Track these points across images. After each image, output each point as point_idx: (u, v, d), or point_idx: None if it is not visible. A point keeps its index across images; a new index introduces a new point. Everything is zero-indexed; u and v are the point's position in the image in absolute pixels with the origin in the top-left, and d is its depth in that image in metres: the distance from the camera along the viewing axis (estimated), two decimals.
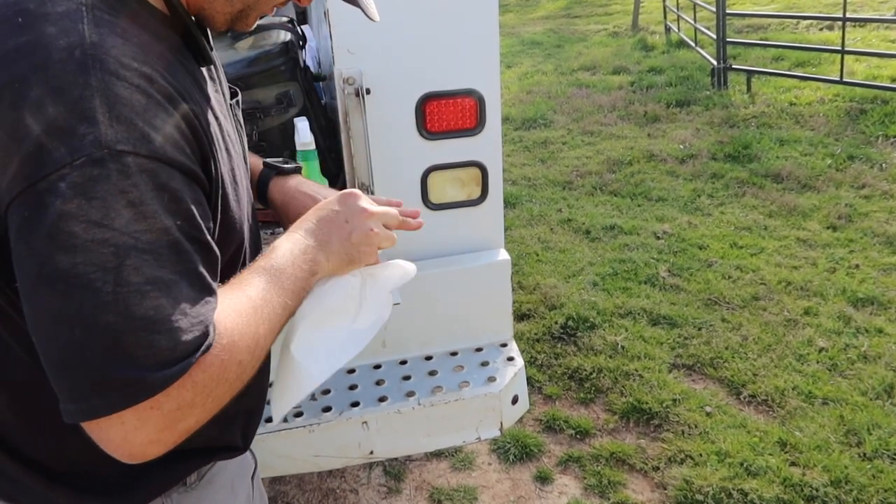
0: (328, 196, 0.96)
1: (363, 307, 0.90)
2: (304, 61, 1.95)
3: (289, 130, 1.76)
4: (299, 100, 1.76)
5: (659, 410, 2.64)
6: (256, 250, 0.96)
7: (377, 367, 1.88)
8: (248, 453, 1.03)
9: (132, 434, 0.64)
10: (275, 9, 0.89)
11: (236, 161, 0.86)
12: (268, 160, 1.12)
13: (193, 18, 0.81)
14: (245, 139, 1.01)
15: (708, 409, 2.64)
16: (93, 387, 0.62)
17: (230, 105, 0.96)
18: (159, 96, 0.67)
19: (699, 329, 3.13)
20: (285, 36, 1.83)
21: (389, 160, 1.76)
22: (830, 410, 2.58)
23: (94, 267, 0.61)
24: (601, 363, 2.93)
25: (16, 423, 0.81)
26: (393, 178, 1.77)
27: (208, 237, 0.71)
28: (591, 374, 2.88)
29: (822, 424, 2.52)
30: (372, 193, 1.74)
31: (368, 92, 1.67)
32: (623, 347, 3.01)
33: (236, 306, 0.72)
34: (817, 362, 2.87)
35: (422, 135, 1.77)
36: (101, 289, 0.61)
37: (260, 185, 1.10)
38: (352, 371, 1.87)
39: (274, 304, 0.76)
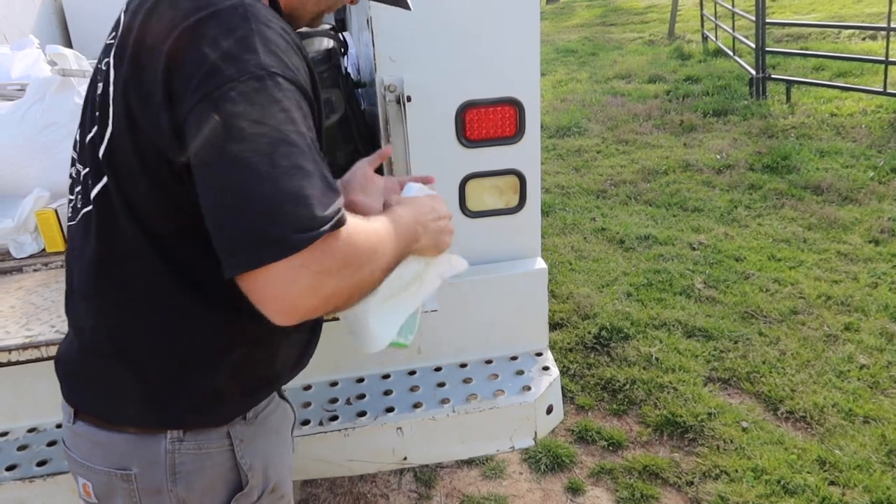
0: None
1: (422, 287, 1.10)
2: (346, 68, 1.97)
3: (329, 136, 1.78)
4: (341, 106, 1.78)
5: (693, 424, 2.60)
6: None
7: (412, 373, 1.89)
8: (288, 406, 1.21)
9: (286, 289, 0.80)
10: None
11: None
12: None
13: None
14: None
15: (744, 424, 2.60)
16: (252, 241, 0.78)
17: None
18: (294, 45, 0.90)
19: (735, 342, 3.08)
20: (328, 43, 1.86)
21: (428, 167, 1.77)
22: (871, 429, 2.52)
23: (255, 153, 0.79)
24: (635, 374, 2.90)
25: (144, 339, 1.00)
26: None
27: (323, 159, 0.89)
28: (624, 385, 2.85)
29: (862, 443, 2.46)
30: None
31: (409, 99, 1.68)
32: (657, 359, 2.98)
33: (365, 223, 0.91)
34: (858, 379, 2.80)
35: (461, 142, 1.77)
36: (260, 168, 0.79)
37: None
38: (387, 376, 1.87)
39: (390, 238, 0.94)
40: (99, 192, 0.97)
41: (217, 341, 1.01)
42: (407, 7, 1.13)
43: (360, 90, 2.05)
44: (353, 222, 0.87)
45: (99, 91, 0.99)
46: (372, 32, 1.67)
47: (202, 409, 1.03)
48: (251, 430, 1.08)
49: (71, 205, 1.06)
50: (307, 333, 1.15)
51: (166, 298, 0.97)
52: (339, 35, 2.07)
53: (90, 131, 0.99)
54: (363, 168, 1.21)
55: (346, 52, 2.03)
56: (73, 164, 1.08)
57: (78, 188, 1.03)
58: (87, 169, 1.00)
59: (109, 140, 0.94)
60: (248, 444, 1.07)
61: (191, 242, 0.93)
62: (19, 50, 2.27)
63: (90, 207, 0.98)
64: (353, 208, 1.05)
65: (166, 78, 0.85)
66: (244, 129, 0.80)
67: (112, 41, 1.00)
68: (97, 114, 0.98)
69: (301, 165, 0.81)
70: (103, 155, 0.95)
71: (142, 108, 0.89)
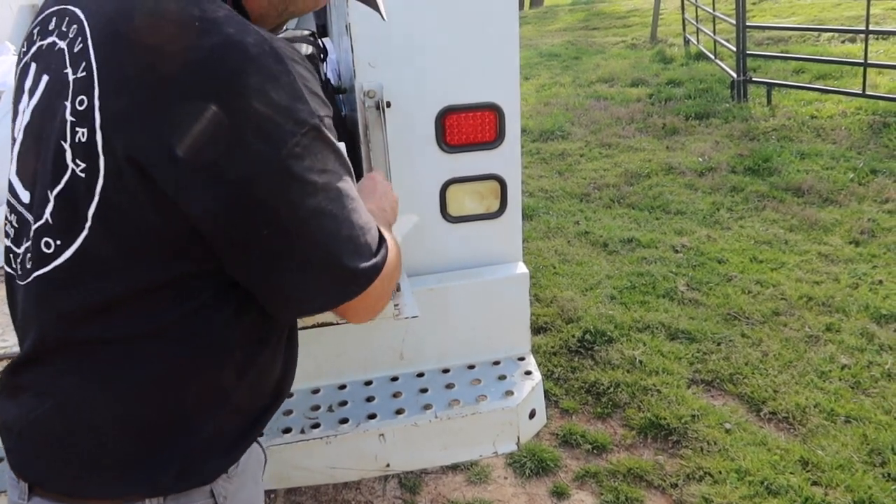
0: None
1: None
2: (326, 74, 1.96)
3: None
4: None
5: (677, 426, 2.61)
6: None
7: (394, 379, 1.88)
8: (261, 450, 1.10)
9: (376, 301, 0.91)
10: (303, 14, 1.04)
11: None
12: None
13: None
14: None
15: (727, 425, 2.61)
16: (340, 279, 0.86)
17: None
18: (310, 68, 0.87)
19: (718, 344, 3.10)
20: (307, 49, 1.85)
21: (408, 173, 1.77)
22: (853, 429, 2.54)
23: (329, 201, 0.83)
24: (619, 377, 2.90)
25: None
26: (412, 191, 1.77)
27: None
28: (608, 388, 2.86)
29: (844, 443, 2.47)
30: None
31: (389, 105, 1.67)
32: (641, 362, 2.99)
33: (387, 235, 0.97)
34: (840, 380, 2.82)
35: (441, 148, 1.77)
36: (337, 214, 0.83)
37: None
38: (369, 383, 1.86)
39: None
40: (75, 254, 0.83)
41: (220, 383, 0.92)
42: (380, 14, 1.08)
43: (340, 96, 2.05)
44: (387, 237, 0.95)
45: (58, 120, 0.83)
46: (351, 38, 1.66)
47: (187, 470, 0.91)
48: (234, 484, 0.98)
49: (17, 261, 0.90)
50: (292, 351, 1.09)
51: (164, 346, 0.86)
52: (319, 41, 2.06)
53: (58, 179, 0.82)
54: (372, 176, 1.25)
55: (325, 58, 2.03)
56: (12, 212, 0.91)
57: (27, 244, 0.87)
58: (49, 224, 0.84)
59: (102, 192, 0.80)
60: (231, 500, 0.97)
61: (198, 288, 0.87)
62: None
63: (50, 270, 0.84)
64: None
65: (210, 130, 0.75)
66: (316, 183, 0.82)
67: (62, 45, 0.86)
68: (68, 154, 0.81)
69: (355, 197, 0.87)
70: (94, 211, 0.81)
71: (160, 160, 0.77)
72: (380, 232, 0.92)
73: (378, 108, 1.67)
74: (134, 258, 0.82)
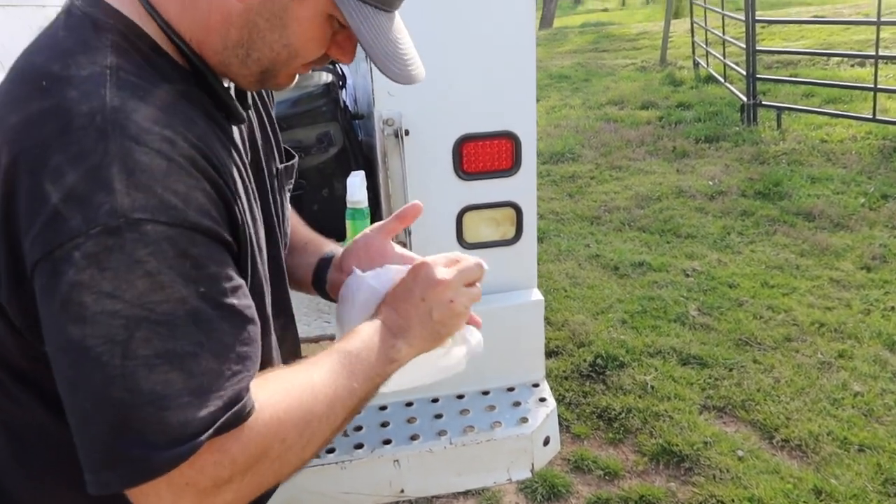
0: (372, 256, 0.96)
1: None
2: (344, 101, 1.99)
3: (328, 169, 1.80)
4: (339, 139, 1.81)
5: (689, 453, 2.60)
6: (288, 319, 0.97)
7: (409, 404, 1.89)
8: None
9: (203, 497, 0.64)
10: (311, 68, 0.83)
11: (260, 226, 0.85)
12: (325, 255, 1.07)
13: (221, 78, 0.79)
14: (285, 204, 0.98)
15: (740, 452, 2.60)
16: (103, 460, 0.62)
17: (278, 170, 0.94)
18: (182, 159, 0.65)
19: (730, 370, 3.09)
20: (327, 77, 1.88)
21: (425, 199, 1.76)
22: (867, 458, 2.52)
23: (103, 339, 0.60)
24: (630, 403, 2.90)
25: (18, 473, 0.78)
26: (428, 218, 1.78)
27: (238, 300, 0.68)
28: (620, 413, 2.85)
29: (858, 472, 2.46)
30: (408, 231, 1.77)
31: (407, 133, 1.70)
32: (653, 387, 2.98)
33: (289, 384, 0.72)
34: (853, 407, 2.81)
35: (458, 175, 1.79)
36: (108, 362, 0.60)
37: (318, 280, 1.05)
38: (384, 408, 1.87)
39: (338, 386, 0.75)
40: None
41: None
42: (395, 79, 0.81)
43: (357, 122, 2.08)
44: (271, 392, 0.69)
45: None
46: (370, 66, 1.70)
47: None
48: None
49: None
50: None
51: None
52: (338, 67, 2.10)
53: None
54: (370, 238, 1.00)
55: (344, 85, 2.06)
56: None
57: None
58: None
59: None
60: None
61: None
62: None
63: None
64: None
65: (4, 218, 0.64)
66: (88, 307, 0.60)
67: None
68: None
69: (171, 350, 0.62)
70: None
71: None
72: (242, 409, 0.65)
73: (396, 135, 1.70)
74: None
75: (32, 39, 0.76)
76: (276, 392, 0.70)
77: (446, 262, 0.88)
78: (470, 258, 0.90)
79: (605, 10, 27.28)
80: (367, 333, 0.82)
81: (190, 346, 0.63)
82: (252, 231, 0.78)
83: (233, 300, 0.67)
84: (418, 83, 0.82)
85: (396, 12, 0.79)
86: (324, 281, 1.05)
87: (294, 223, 1.10)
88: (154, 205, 0.62)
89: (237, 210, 0.72)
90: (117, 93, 0.66)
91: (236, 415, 0.64)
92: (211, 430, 0.62)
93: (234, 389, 0.65)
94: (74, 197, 0.61)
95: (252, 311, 0.70)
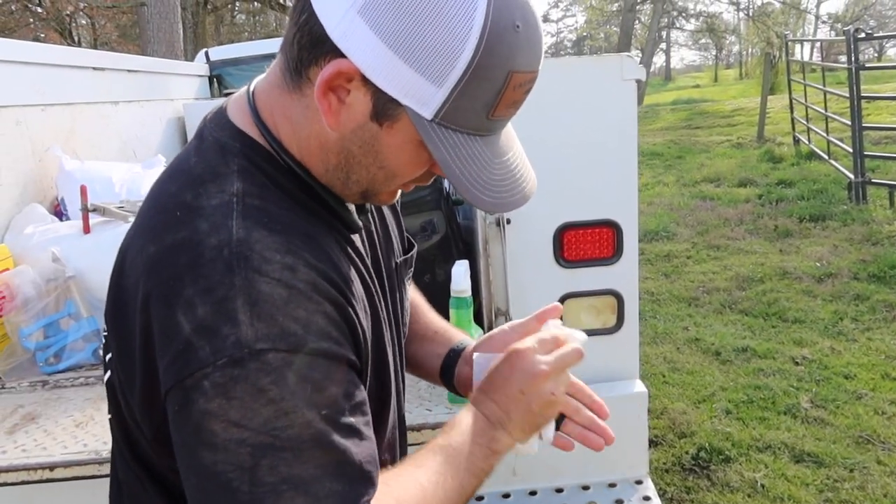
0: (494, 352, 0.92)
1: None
2: (447, 189, 2.05)
3: (430, 256, 1.83)
4: (442, 227, 1.85)
5: None
6: (400, 418, 0.96)
7: (506, 496, 1.83)
8: None
9: None
10: (414, 185, 0.84)
11: (386, 326, 0.86)
12: (454, 346, 1.06)
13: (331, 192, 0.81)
14: (405, 297, 0.99)
15: None
16: None
17: (397, 264, 0.96)
18: (302, 285, 0.68)
19: (851, 471, 2.84)
20: None
21: (526, 287, 1.79)
22: None
23: (232, 466, 0.63)
24: (739, 502, 2.70)
25: None
26: (529, 305, 1.78)
27: (360, 420, 0.70)
28: None
29: None
30: (509, 318, 1.77)
31: (509, 222, 1.72)
32: (763, 486, 2.77)
33: (402, 491, 0.72)
34: None
35: (559, 263, 1.79)
36: (238, 488, 0.63)
37: (447, 373, 1.05)
38: (480, 499, 1.83)
39: (448, 486, 0.75)
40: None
41: None
42: (486, 209, 0.79)
43: (457, 207, 2.12)
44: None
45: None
46: None
47: None
48: None
49: None
50: None
51: None
52: None
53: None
54: (508, 335, 0.96)
55: None
56: None
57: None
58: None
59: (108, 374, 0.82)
60: None
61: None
62: (149, 168, 2.48)
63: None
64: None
65: (143, 343, 0.70)
66: (217, 435, 0.63)
67: None
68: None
69: (296, 476, 0.64)
70: (106, 382, 0.83)
71: (123, 369, 0.75)
72: None
73: (498, 224, 1.72)
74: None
75: (167, 164, 0.81)
76: (391, 496, 0.70)
77: (542, 344, 0.85)
78: (569, 341, 0.87)
79: (697, 86, 27.16)
80: (466, 425, 0.81)
81: (315, 469, 0.64)
82: (379, 334, 0.81)
83: (354, 419, 0.69)
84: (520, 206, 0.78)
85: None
86: (452, 374, 1.04)
87: (423, 308, 1.11)
88: (275, 333, 0.65)
89: (358, 325, 0.74)
90: (243, 223, 0.69)
91: None
92: None
93: (364, 497, 0.66)
94: (204, 329, 0.65)
95: (370, 429, 0.72)
